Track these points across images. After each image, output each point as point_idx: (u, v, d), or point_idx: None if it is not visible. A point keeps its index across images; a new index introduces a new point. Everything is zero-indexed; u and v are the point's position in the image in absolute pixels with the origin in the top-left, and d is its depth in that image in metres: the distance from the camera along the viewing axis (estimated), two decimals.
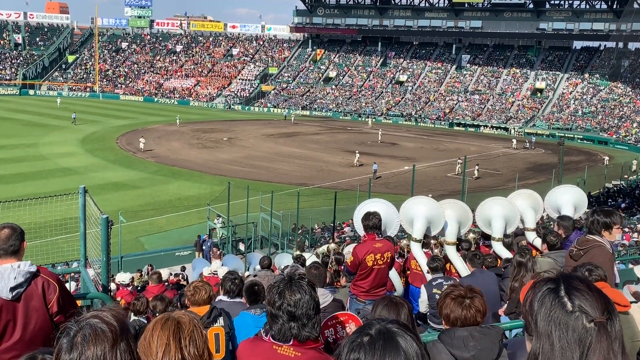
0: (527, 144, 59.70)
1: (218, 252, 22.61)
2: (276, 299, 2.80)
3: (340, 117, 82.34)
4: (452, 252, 8.19)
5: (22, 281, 3.79)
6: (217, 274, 10.74)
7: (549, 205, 9.37)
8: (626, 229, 20.77)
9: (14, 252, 3.91)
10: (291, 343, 2.78)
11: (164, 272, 13.41)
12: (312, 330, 2.78)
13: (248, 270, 15.60)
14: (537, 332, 1.69)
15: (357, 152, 46.49)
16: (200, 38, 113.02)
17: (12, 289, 3.74)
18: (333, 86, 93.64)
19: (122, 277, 10.96)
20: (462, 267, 7.62)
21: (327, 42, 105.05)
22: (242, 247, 25.24)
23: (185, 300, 5.21)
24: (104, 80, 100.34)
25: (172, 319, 2.13)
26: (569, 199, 9.11)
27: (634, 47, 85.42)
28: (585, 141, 65.68)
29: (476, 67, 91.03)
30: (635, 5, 74.90)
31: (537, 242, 8.50)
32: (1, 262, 3.86)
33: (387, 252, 6.74)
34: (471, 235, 9.70)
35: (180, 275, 16.99)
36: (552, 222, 9.16)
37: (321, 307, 3.55)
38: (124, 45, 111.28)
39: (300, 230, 26.94)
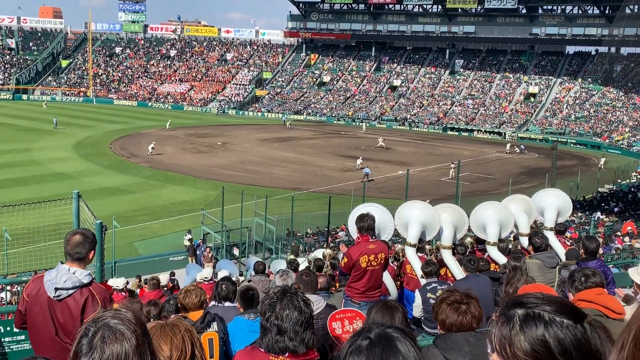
0: (517, 149, 59.96)
1: (209, 255, 22.50)
2: (266, 311, 2.87)
3: (334, 122, 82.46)
4: (447, 257, 8.19)
5: (70, 287, 3.88)
6: (208, 280, 10.54)
7: (533, 207, 9.40)
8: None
9: (79, 259, 3.99)
10: (286, 355, 2.81)
11: (163, 278, 13.28)
12: (300, 344, 2.81)
13: (244, 274, 15.56)
14: None
15: (360, 157, 46.40)
16: (194, 43, 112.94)
17: (56, 289, 3.86)
18: (327, 91, 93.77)
19: (116, 282, 10.88)
20: (458, 272, 7.63)
21: (321, 47, 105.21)
22: (236, 252, 25.23)
23: (179, 305, 5.20)
24: (98, 85, 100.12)
25: (181, 324, 2.18)
26: (553, 202, 9.14)
27: (626, 52, 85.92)
28: (578, 145, 65.96)
29: (469, 72, 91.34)
30: (627, 11, 75.40)
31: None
32: (67, 263, 3.99)
33: (380, 254, 6.78)
34: (468, 240, 9.71)
35: (171, 281, 16.83)
36: (542, 226, 9.18)
37: (314, 313, 3.56)
38: (118, 50, 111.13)
39: (295, 236, 26.92)
